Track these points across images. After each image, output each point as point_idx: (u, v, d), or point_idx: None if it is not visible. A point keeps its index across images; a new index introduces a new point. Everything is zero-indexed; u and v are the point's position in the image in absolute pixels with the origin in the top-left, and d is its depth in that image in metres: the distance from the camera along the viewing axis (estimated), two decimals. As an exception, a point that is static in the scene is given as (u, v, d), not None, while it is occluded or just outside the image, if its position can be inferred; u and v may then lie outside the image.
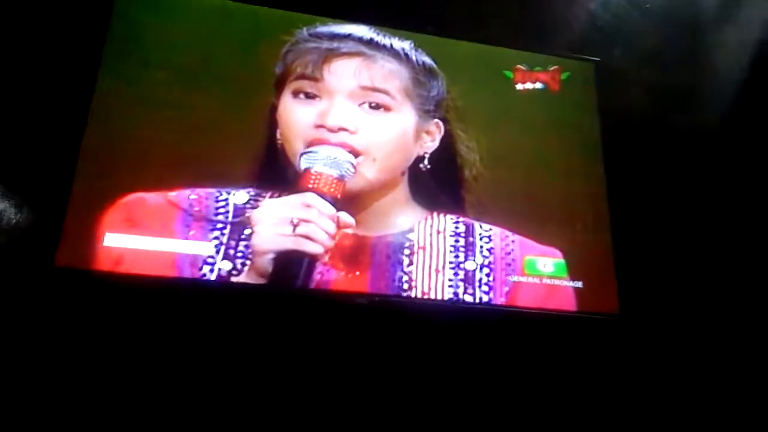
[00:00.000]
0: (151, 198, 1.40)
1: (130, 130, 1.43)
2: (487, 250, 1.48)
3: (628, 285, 1.48)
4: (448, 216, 1.49)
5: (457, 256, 1.46)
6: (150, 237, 1.36)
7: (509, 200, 1.51)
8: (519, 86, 1.62)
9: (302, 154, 1.34)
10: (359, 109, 1.38)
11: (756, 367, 1.53)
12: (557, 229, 1.52)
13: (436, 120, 1.46)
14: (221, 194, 1.42)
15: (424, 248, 1.46)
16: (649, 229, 1.62)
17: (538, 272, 1.48)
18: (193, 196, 1.41)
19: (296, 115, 1.37)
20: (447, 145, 1.48)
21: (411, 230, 1.46)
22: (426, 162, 1.45)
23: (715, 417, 1.49)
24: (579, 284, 1.49)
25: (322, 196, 1.30)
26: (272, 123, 1.42)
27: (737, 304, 1.59)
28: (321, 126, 1.35)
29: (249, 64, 1.48)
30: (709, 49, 1.86)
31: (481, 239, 1.48)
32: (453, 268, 1.45)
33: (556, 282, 1.48)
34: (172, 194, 1.41)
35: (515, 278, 1.46)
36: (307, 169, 1.33)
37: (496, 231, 1.49)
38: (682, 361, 1.53)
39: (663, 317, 1.55)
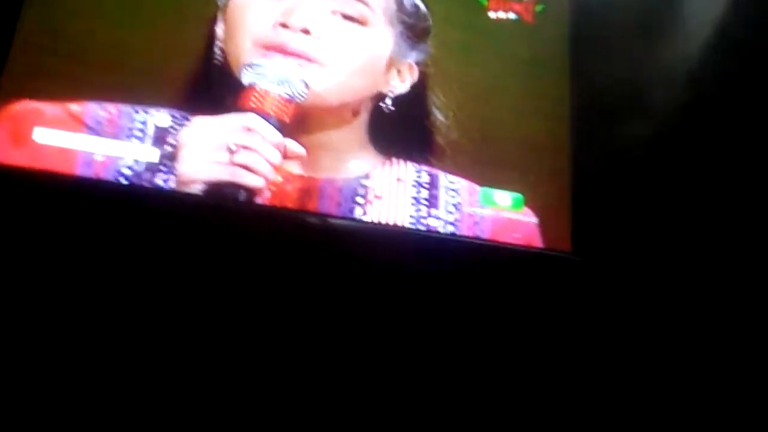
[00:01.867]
0: (49, 110, 1.13)
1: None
2: (453, 205, 1.28)
3: (583, 225, 1.36)
4: (410, 163, 1.27)
5: (418, 210, 1.26)
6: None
7: (474, 144, 1.32)
8: (492, 14, 1.42)
9: (246, 67, 1.10)
10: (331, 16, 1.16)
11: (700, 311, 1.45)
12: (519, 171, 1.35)
13: (410, 62, 1.25)
14: (138, 113, 1.15)
15: (381, 198, 1.24)
16: (610, 170, 1.48)
17: (494, 204, 1.30)
18: (102, 113, 1.15)
19: (253, 12, 1.14)
20: (419, 98, 1.28)
21: (366, 176, 1.24)
22: (390, 103, 1.24)
23: (659, 359, 1.40)
24: (535, 220, 1.32)
25: (266, 118, 1.07)
26: (213, 30, 1.18)
27: (691, 253, 1.49)
28: (283, 25, 1.12)
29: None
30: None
31: (447, 192, 1.28)
32: (414, 224, 1.25)
33: (512, 215, 1.31)
34: (76, 107, 1.13)
35: (469, 209, 1.28)
36: (251, 85, 1.09)
37: (464, 185, 1.29)
38: (632, 304, 1.42)
39: (615, 259, 1.43)
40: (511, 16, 1.44)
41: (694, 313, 1.44)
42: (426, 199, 1.27)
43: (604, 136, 1.49)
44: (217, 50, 1.16)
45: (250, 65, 1.09)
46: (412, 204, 1.26)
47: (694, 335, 1.43)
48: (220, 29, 1.17)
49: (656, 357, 1.40)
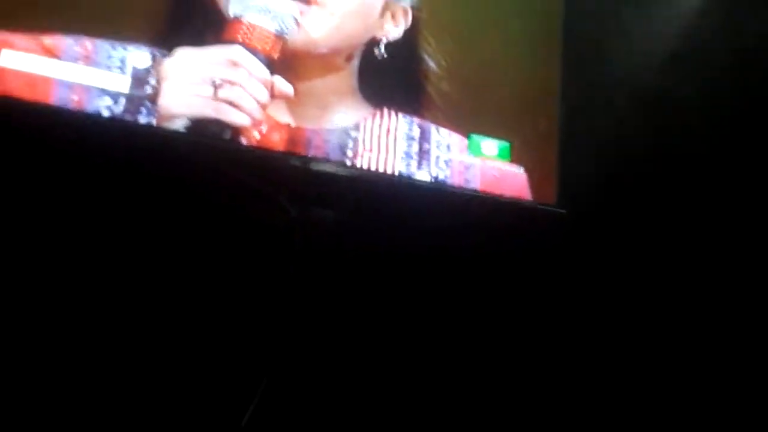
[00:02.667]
0: (20, 42, 1.05)
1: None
2: (444, 162, 1.23)
3: (569, 177, 1.32)
4: (401, 115, 1.22)
5: (408, 165, 1.21)
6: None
7: (463, 93, 1.27)
8: None
9: (233, -3, 1.04)
10: None
11: (682, 264, 1.45)
12: (508, 120, 1.31)
13: (404, 6, 1.20)
14: (116, 49, 1.08)
15: (370, 150, 1.19)
16: (598, 122, 1.47)
17: (481, 153, 1.26)
18: (77, 48, 1.07)
19: None
20: (411, 44, 1.22)
21: (356, 128, 1.19)
22: (383, 49, 1.18)
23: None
24: (521, 170, 1.28)
25: (254, 53, 1.01)
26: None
27: (673, 208, 1.49)
28: None
29: None
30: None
31: (438, 147, 1.23)
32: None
33: (499, 165, 1.27)
34: (48, 40, 1.06)
35: (458, 157, 1.23)
36: (237, 18, 1.03)
37: (456, 140, 1.24)
38: (615, 256, 1.43)
39: (600, 213, 1.44)
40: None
41: (676, 266, 1.43)
42: (417, 153, 1.22)
43: (594, 90, 1.47)
44: (202, -20, 1.09)
45: (237, -5, 1.03)
46: (403, 158, 1.21)
47: (674, 289, 1.41)
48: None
49: (638, 309, 1.39)
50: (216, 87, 0.99)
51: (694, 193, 1.49)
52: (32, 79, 1.05)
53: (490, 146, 1.27)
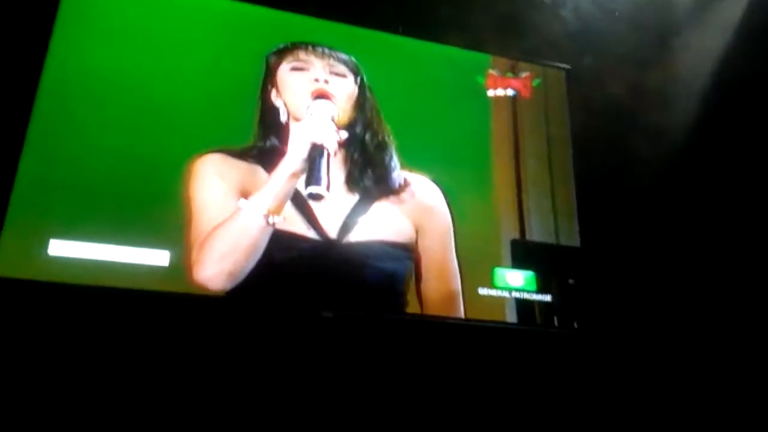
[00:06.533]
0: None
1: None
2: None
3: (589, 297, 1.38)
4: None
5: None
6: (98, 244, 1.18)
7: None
8: (491, 92, 1.42)
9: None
10: None
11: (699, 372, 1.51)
12: (532, 250, 1.38)
13: None
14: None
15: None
16: (616, 242, 1.52)
17: (507, 286, 1.31)
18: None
19: None
20: None
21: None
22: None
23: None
24: (548, 297, 1.34)
25: None
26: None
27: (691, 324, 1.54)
28: None
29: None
30: (676, 54, 1.78)
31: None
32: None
33: (525, 296, 1.33)
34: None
35: (485, 291, 1.30)
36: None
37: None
38: (635, 378, 1.46)
39: (620, 335, 1.47)
40: (510, 92, 1.45)
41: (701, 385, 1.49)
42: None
43: (609, 207, 1.53)
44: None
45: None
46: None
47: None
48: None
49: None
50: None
51: (718, 310, 1.56)
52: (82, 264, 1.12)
53: (516, 277, 1.31)
